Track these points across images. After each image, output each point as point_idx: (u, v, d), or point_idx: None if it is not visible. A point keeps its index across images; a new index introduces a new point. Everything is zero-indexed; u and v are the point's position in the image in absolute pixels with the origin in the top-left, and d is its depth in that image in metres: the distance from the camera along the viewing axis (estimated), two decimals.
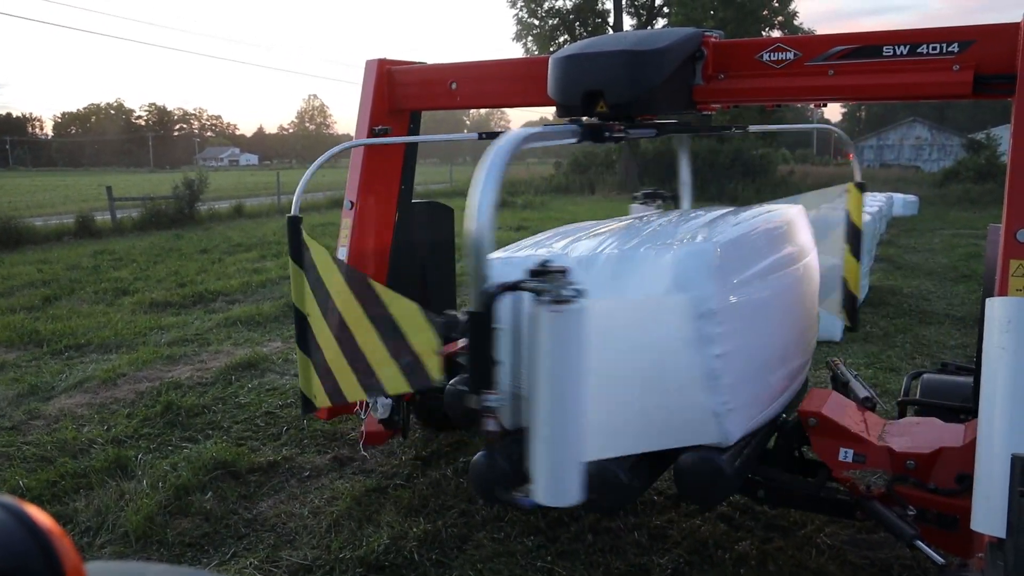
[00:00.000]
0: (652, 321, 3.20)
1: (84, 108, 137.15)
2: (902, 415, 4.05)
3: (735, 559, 3.89)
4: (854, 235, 4.66)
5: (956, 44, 3.22)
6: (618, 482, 3.19)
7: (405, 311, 3.65)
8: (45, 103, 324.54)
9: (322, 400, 3.94)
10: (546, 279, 2.43)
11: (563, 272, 2.46)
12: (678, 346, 3.17)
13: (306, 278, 3.78)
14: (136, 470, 4.98)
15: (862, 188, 4.69)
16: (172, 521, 4.34)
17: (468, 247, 2.57)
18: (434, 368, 3.61)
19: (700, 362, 3.17)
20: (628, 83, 3.49)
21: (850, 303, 4.68)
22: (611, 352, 2.91)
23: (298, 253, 3.77)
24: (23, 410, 6.17)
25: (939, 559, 3.13)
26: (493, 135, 4.24)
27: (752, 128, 5.14)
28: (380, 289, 3.76)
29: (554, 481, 2.49)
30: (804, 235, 4.18)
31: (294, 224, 3.79)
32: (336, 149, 4.49)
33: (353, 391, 3.88)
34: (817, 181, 33.85)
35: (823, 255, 4.57)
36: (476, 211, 2.59)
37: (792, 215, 4.16)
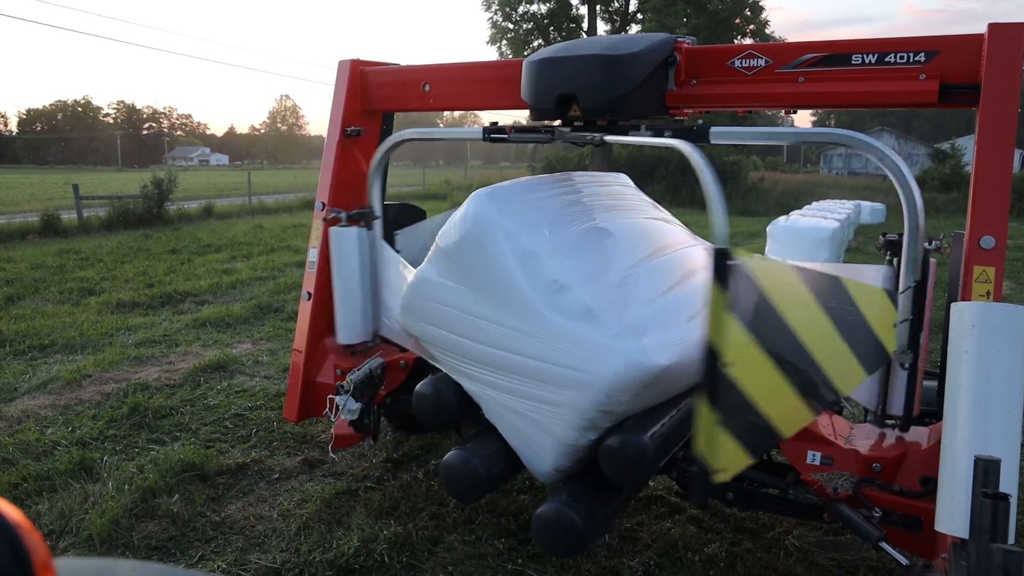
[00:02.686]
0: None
1: (50, 105, 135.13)
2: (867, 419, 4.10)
3: (705, 561, 3.92)
4: None
5: (923, 54, 3.29)
6: (575, 527, 3.22)
7: (866, 293, 3.18)
8: (9, 99, 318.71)
9: (732, 461, 2.68)
10: None
11: None
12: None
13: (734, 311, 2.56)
14: (101, 472, 4.90)
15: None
16: (138, 524, 4.28)
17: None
18: (889, 341, 3.30)
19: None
20: (601, 87, 3.52)
21: None
22: None
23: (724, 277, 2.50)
24: None
25: (904, 560, 3.18)
26: (498, 131, 4.23)
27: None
28: (848, 283, 3.12)
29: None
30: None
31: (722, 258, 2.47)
32: (392, 141, 4.73)
33: (793, 421, 2.96)
34: (787, 188, 34.30)
35: None
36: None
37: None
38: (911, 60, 3.31)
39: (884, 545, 3.20)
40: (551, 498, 3.38)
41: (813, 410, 3.02)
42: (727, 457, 2.63)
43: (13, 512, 0.63)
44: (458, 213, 3.71)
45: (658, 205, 4.53)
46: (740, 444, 2.67)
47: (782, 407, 2.83)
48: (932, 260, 3.39)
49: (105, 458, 5.11)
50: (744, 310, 2.57)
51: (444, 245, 3.71)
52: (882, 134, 63.98)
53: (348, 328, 4.65)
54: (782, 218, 14.61)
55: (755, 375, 2.68)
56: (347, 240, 4.58)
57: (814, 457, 3.51)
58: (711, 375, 2.54)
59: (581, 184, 4.06)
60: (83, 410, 6.05)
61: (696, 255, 4.05)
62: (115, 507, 4.36)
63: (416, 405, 3.95)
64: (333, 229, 4.60)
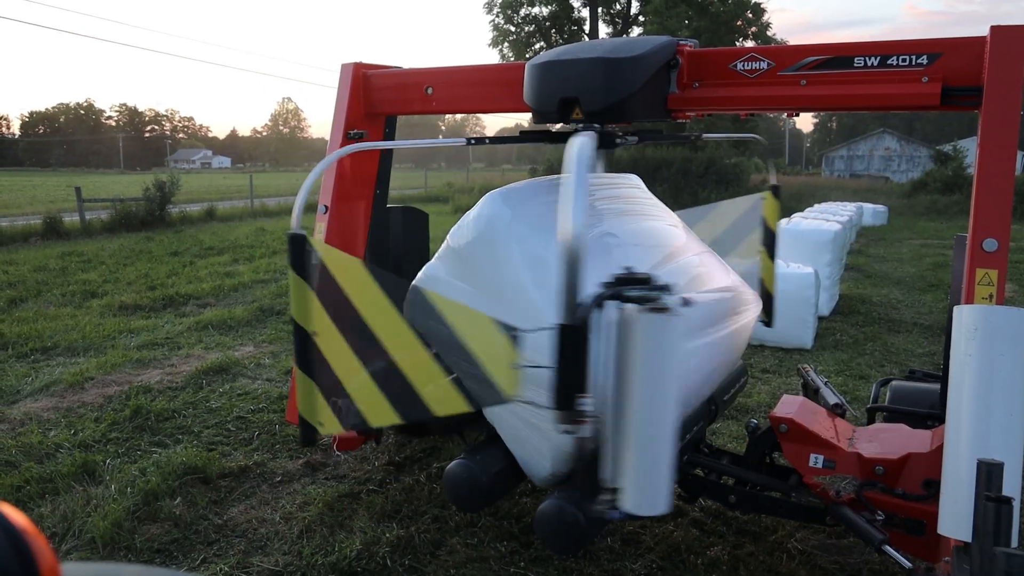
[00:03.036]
0: None
1: (53, 107, 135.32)
2: (871, 421, 4.11)
3: (707, 564, 3.92)
4: (769, 239, 4.73)
5: (925, 56, 3.28)
6: (577, 523, 3.22)
7: (471, 323, 3.20)
8: (12, 102, 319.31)
9: (331, 426, 3.27)
10: (643, 287, 2.47)
11: (650, 279, 2.52)
12: None
13: (313, 291, 3.12)
14: (104, 475, 4.90)
15: (776, 193, 4.76)
16: (140, 527, 4.28)
17: (563, 258, 2.53)
18: (509, 383, 3.14)
19: None
20: (603, 90, 3.51)
21: (766, 301, 4.72)
22: None
23: (300, 263, 3.11)
24: None
25: (907, 563, 3.17)
26: (481, 141, 4.24)
27: (663, 136, 5.19)
28: (438, 301, 3.24)
29: (645, 490, 2.49)
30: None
31: (297, 242, 3.05)
32: (338, 153, 4.39)
33: (381, 415, 3.29)
34: (788, 190, 34.27)
35: (742, 258, 4.81)
36: (571, 218, 2.55)
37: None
38: (913, 62, 3.31)
39: (887, 548, 3.19)
40: (553, 495, 3.39)
41: (395, 406, 3.20)
42: (324, 414, 3.16)
43: (19, 517, 0.63)
44: (472, 213, 3.70)
45: (667, 208, 4.52)
46: (330, 406, 3.16)
47: (362, 389, 3.19)
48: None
49: (107, 461, 5.12)
50: (322, 292, 3.06)
51: (455, 244, 3.69)
52: (884, 136, 64.03)
53: None
54: (784, 220, 14.58)
55: (336, 352, 3.14)
56: None
57: (816, 460, 3.51)
58: (299, 344, 3.09)
59: (594, 187, 4.03)
60: (85, 413, 6.05)
61: (702, 262, 4.05)
62: (117, 510, 4.36)
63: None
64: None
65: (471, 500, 3.65)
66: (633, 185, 4.39)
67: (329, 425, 3.21)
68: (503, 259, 3.50)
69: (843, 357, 7.71)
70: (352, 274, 3.16)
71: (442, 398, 3.16)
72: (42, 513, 4.41)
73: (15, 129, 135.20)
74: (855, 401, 6.10)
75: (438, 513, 4.44)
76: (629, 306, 2.50)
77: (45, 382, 6.80)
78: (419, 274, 3.93)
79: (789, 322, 7.61)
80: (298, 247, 2.99)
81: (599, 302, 2.53)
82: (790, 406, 3.75)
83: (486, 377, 3.05)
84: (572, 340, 2.49)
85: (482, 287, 3.59)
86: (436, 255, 3.89)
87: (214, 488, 4.79)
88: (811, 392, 4.23)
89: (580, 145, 2.84)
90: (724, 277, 4.08)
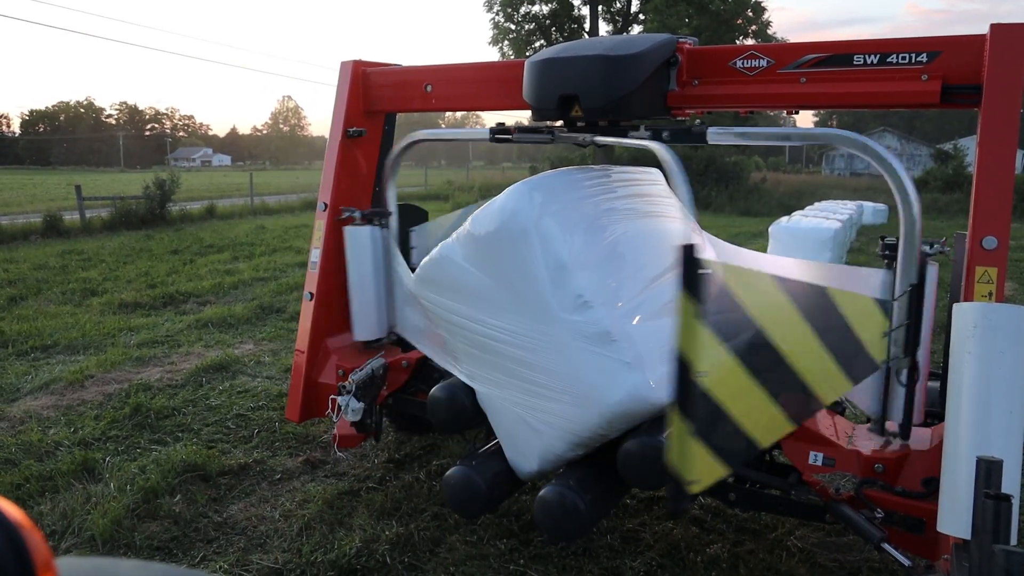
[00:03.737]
0: None
1: (53, 106, 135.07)
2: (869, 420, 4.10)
3: (707, 562, 3.92)
4: None
5: (925, 54, 3.28)
6: (577, 510, 3.22)
7: (853, 302, 3.09)
8: (12, 100, 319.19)
9: (706, 473, 2.62)
10: None
11: None
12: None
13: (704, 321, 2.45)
14: (103, 473, 4.91)
15: None
16: (140, 524, 4.29)
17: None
18: (878, 350, 3.20)
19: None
20: (603, 88, 3.51)
21: None
22: None
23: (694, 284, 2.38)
24: None
25: (906, 561, 3.17)
26: (504, 132, 4.18)
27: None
28: (834, 292, 2.99)
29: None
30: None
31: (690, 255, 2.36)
32: (407, 141, 4.74)
33: (771, 432, 2.92)
34: (788, 189, 34.28)
35: None
36: None
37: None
38: (913, 60, 3.30)
39: (886, 546, 3.19)
40: (555, 481, 3.39)
41: (792, 420, 2.93)
42: (700, 468, 2.57)
43: (15, 512, 0.63)
44: (498, 202, 3.62)
45: (684, 208, 4.43)
46: (714, 455, 2.62)
47: (759, 417, 2.77)
48: (933, 264, 3.33)
49: (107, 459, 5.12)
50: (717, 320, 2.49)
51: (476, 231, 3.62)
52: (884, 134, 64.02)
53: (364, 325, 4.68)
54: (784, 219, 14.59)
55: (730, 385, 2.62)
56: (361, 239, 4.62)
57: (816, 458, 3.50)
58: (682, 385, 2.47)
59: (618, 183, 3.94)
60: (85, 410, 6.05)
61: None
62: (117, 507, 4.36)
63: (430, 409, 3.93)
64: (348, 228, 4.65)
65: (470, 506, 3.65)
66: (654, 181, 4.29)
67: (707, 477, 2.63)
68: (524, 256, 3.44)
69: None
70: (757, 290, 2.70)
71: (831, 384, 3.02)
72: (42, 511, 4.41)
73: (15, 127, 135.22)
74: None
75: (438, 511, 4.44)
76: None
77: (45, 380, 6.80)
78: (433, 252, 3.87)
79: None
80: (691, 263, 2.33)
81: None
82: None
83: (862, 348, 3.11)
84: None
85: (498, 279, 3.55)
86: (453, 236, 3.82)
87: (214, 486, 4.79)
88: None
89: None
90: None
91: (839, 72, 3.46)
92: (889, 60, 3.35)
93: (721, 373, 2.54)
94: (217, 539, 4.20)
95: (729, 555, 3.98)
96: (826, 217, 14.97)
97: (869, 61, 3.39)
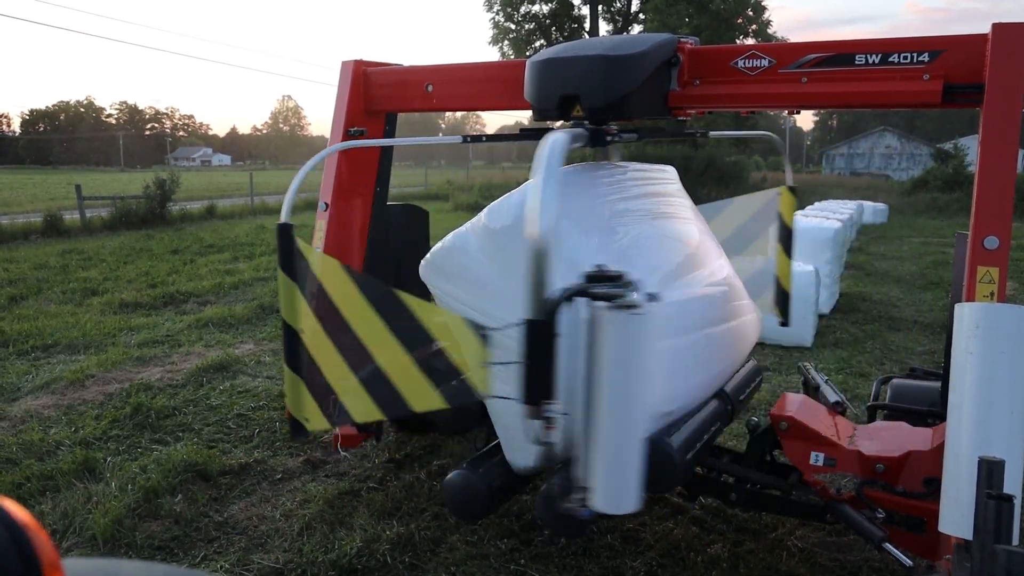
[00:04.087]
0: None
1: (53, 105, 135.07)
2: (872, 419, 4.11)
3: (707, 561, 3.92)
4: (786, 235, 4.63)
5: (926, 54, 3.28)
6: (671, 460, 3.19)
7: (443, 322, 3.29)
8: (12, 99, 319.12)
9: (317, 422, 3.40)
10: (612, 284, 2.40)
11: (621, 277, 2.46)
12: None
13: (299, 290, 3.24)
14: (104, 472, 4.90)
15: (794, 191, 4.71)
16: (141, 524, 4.29)
17: (530, 253, 2.46)
18: (481, 381, 3.24)
19: None
20: (604, 88, 3.51)
21: (782, 299, 4.65)
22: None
23: (289, 262, 3.22)
24: None
25: (907, 561, 3.17)
26: (478, 138, 4.20)
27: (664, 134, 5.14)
28: (411, 301, 3.28)
29: (613, 489, 2.47)
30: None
31: (285, 231, 3.20)
32: (328, 151, 4.40)
33: (365, 411, 3.40)
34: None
35: (758, 255, 4.74)
36: (539, 214, 2.49)
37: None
38: (915, 60, 3.30)
39: (887, 546, 3.19)
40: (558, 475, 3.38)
41: (380, 407, 3.31)
42: (310, 410, 3.31)
43: (21, 513, 0.63)
44: (515, 196, 3.55)
45: (695, 208, 4.41)
46: (317, 402, 3.30)
47: (348, 387, 3.29)
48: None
49: (108, 458, 5.12)
50: (309, 294, 3.20)
51: (492, 224, 3.56)
52: (884, 134, 64.00)
53: None
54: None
55: (319, 348, 3.26)
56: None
57: (817, 458, 3.51)
58: (288, 344, 3.27)
59: (633, 181, 3.91)
60: (86, 410, 6.05)
61: (717, 275, 4.02)
62: (118, 507, 4.36)
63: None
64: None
65: (471, 510, 3.63)
66: (668, 180, 4.25)
67: (315, 421, 3.34)
68: None
69: (843, 355, 7.71)
70: (332, 275, 3.27)
71: (421, 395, 3.23)
72: (43, 510, 4.41)
73: (15, 127, 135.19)
74: (855, 399, 6.10)
75: (438, 511, 4.44)
76: (597, 303, 2.46)
77: (46, 379, 6.80)
78: (447, 239, 3.81)
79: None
80: (286, 240, 3.13)
81: (567, 297, 2.47)
82: (791, 404, 3.75)
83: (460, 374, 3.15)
84: (538, 336, 2.44)
85: (509, 274, 3.50)
86: (467, 225, 3.75)
87: (214, 485, 4.79)
88: (811, 390, 4.23)
89: (552, 143, 2.78)
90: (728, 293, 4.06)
91: (840, 72, 3.46)
92: (890, 60, 3.35)
93: (313, 336, 3.25)
94: (218, 539, 4.20)
95: (730, 555, 3.98)
96: (826, 217, 14.96)
97: (870, 61, 3.39)
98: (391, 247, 5.14)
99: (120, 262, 13.64)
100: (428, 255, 3.84)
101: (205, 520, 4.38)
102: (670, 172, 4.35)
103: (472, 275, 3.62)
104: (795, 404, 3.75)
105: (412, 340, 3.22)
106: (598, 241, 3.43)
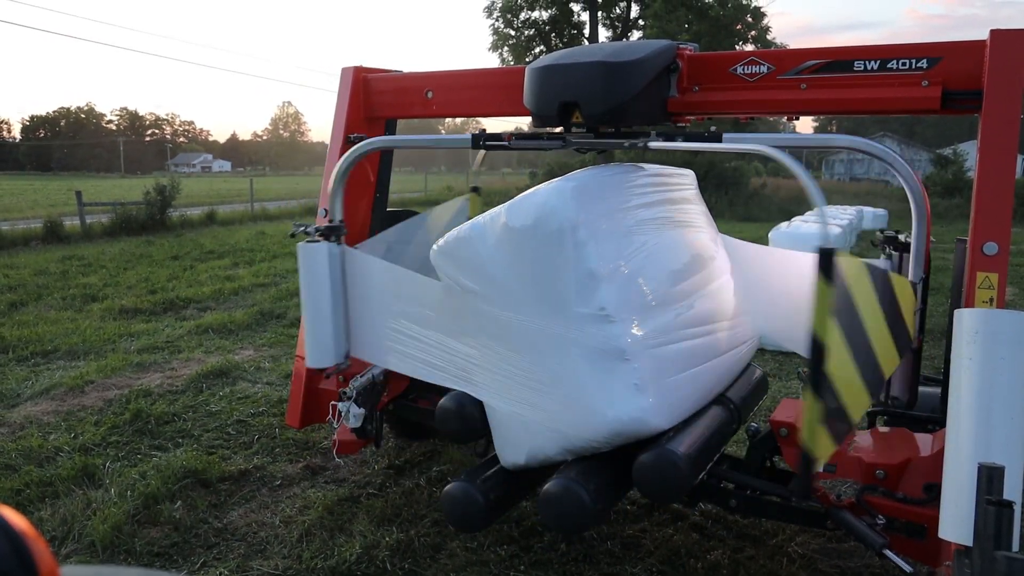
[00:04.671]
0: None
1: (53, 111, 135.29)
2: (871, 426, 4.10)
3: (707, 568, 3.91)
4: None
5: (925, 60, 3.29)
6: (582, 503, 3.21)
7: (900, 283, 3.40)
8: (12, 106, 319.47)
9: (827, 449, 3.07)
10: None
11: None
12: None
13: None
14: (104, 479, 4.90)
15: (477, 191, 4.92)
16: (140, 530, 4.28)
17: None
18: (912, 327, 3.53)
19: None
20: (603, 95, 3.51)
21: None
22: None
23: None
24: None
25: (908, 567, 3.17)
26: (493, 137, 4.03)
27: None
28: (891, 275, 3.38)
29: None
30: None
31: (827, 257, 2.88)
32: (367, 144, 4.30)
33: (860, 403, 3.24)
34: (788, 194, 34.31)
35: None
36: None
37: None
38: (913, 66, 3.31)
39: (888, 552, 3.19)
40: (559, 475, 3.37)
41: (872, 395, 3.29)
42: (825, 446, 3.00)
43: (19, 520, 0.63)
44: (539, 196, 3.46)
45: (709, 217, 4.36)
46: (830, 433, 3.00)
47: (854, 395, 3.13)
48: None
49: (107, 464, 5.11)
50: (836, 306, 2.93)
51: (511, 222, 3.46)
52: (884, 139, 64.05)
53: (318, 351, 4.21)
54: (784, 224, 14.58)
55: (840, 367, 3.02)
56: (317, 256, 4.15)
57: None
58: (817, 369, 2.92)
59: (653, 187, 3.86)
60: (85, 416, 6.05)
61: (724, 289, 4.04)
62: (117, 513, 4.35)
63: (439, 419, 3.88)
64: (301, 245, 4.19)
65: (469, 521, 3.62)
66: (686, 185, 4.20)
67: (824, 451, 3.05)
68: (554, 257, 3.35)
69: None
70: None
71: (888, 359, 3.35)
72: (42, 516, 4.41)
73: (16, 133, 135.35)
74: None
75: (438, 517, 4.43)
76: None
77: (45, 386, 6.79)
78: (463, 228, 3.71)
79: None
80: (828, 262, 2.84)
81: None
82: (790, 410, 3.74)
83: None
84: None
85: (522, 272, 3.42)
86: (486, 217, 3.62)
87: (214, 492, 4.78)
88: None
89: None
90: (730, 308, 4.06)
91: (839, 78, 3.47)
92: (889, 66, 3.36)
93: (837, 355, 3.00)
94: (217, 545, 4.19)
95: (730, 561, 3.97)
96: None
97: (869, 67, 3.40)
98: (389, 253, 5.13)
99: (120, 268, 13.64)
100: (442, 241, 3.76)
101: (204, 526, 4.37)
102: (689, 176, 4.31)
103: (485, 268, 3.55)
104: (795, 410, 3.74)
105: (889, 309, 3.30)
106: (615, 250, 3.40)
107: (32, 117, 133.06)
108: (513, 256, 3.47)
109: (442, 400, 3.88)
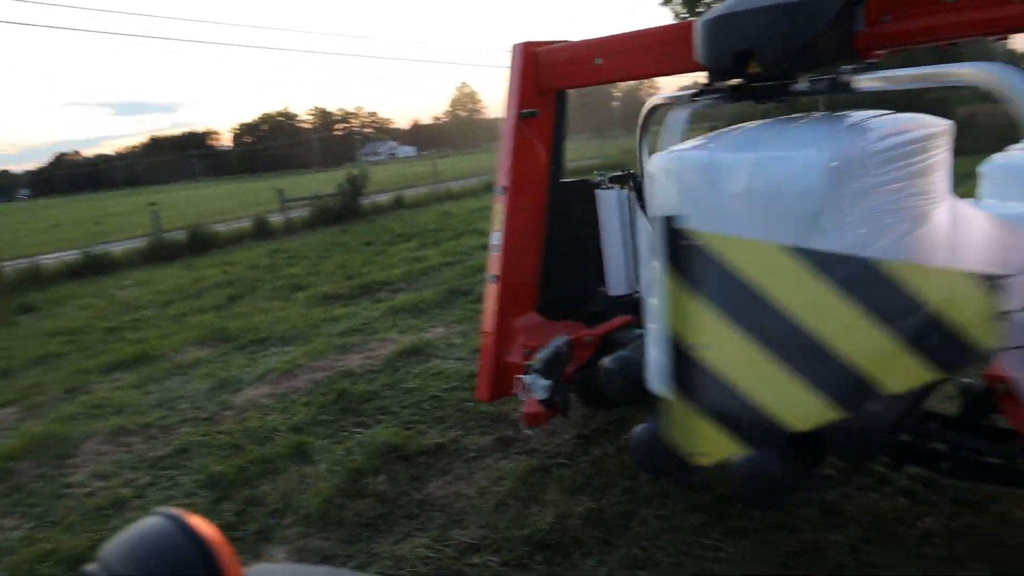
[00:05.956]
0: None
1: (257, 118, 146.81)
2: None
3: (919, 536, 3.63)
4: None
5: None
6: (773, 474, 3.04)
7: (938, 280, 2.94)
8: (222, 118, 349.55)
9: (717, 448, 2.97)
10: None
11: None
12: None
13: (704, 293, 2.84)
14: (314, 455, 5.29)
15: None
16: (349, 503, 4.58)
17: None
18: (986, 336, 2.94)
19: None
20: (782, 38, 3.28)
21: None
22: None
23: (680, 259, 2.87)
24: (216, 402, 6.72)
25: None
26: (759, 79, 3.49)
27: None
28: (899, 268, 2.89)
29: None
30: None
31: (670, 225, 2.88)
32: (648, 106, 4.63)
33: (799, 410, 2.88)
34: (1007, 120, 30.86)
35: None
36: None
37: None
38: None
39: None
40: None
41: (847, 407, 2.81)
42: (709, 443, 2.77)
43: (208, 529, 0.67)
44: (793, 166, 3.01)
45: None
46: (723, 431, 2.78)
47: (782, 395, 2.78)
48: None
49: (317, 442, 5.51)
50: (717, 292, 2.67)
51: (753, 183, 3.07)
52: None
53: (616, 281, 4.84)
54: (999, 155, 13.18)
55: (739, 359, 2.72)
56: (609, 201, 4.79)
57: None
58: (677, 362, 2.73)
59: (914, 156, 3.21)
60: (297, 398, 6.54)
61: None
62: (328, 487, 4.68)
63: (604, 380, 3.91)
64: (597, 192, 4.84)
65: (658, 464, 3.56)
66: (942, 148, 3.46)
67: (714, 451, 2.90)
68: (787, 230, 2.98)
69: None
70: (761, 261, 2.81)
71: (900, 372, 2.83)
72: (265, 491, 4.82)
73: (227, 142, 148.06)
74: None
75: (629, 485, 4.42)
76: None
77: (262, 371, 7.42)
78: (699, 156, 3.37)
79: None
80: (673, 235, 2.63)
81: None
82: (1010, 363, 3.38)
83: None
84: None
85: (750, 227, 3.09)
86: (724, 157, 3.25)
87: (413, 465, 5.03)
88: None
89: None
90: None
91: None
92: None
93: (727, 346, 2.74)
94: (418, 516, 4.41)
95: (945, 530, 3.66)
96: None
97: None
98: (571, 225, 5.12)
99: (320, 257, 14.61)
100: (676, 154, 3.45)
101: (406, 498, 4.61)
102: (945, 135, 3.69)
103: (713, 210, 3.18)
104: (1016, 362, 3.37)
105: (897, 312, 2.86)
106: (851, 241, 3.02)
107: (240, 126, 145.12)
108: (744, 212, 3.09)
109: (604, 360, 3.86)
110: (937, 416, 3.86)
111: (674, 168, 3.36)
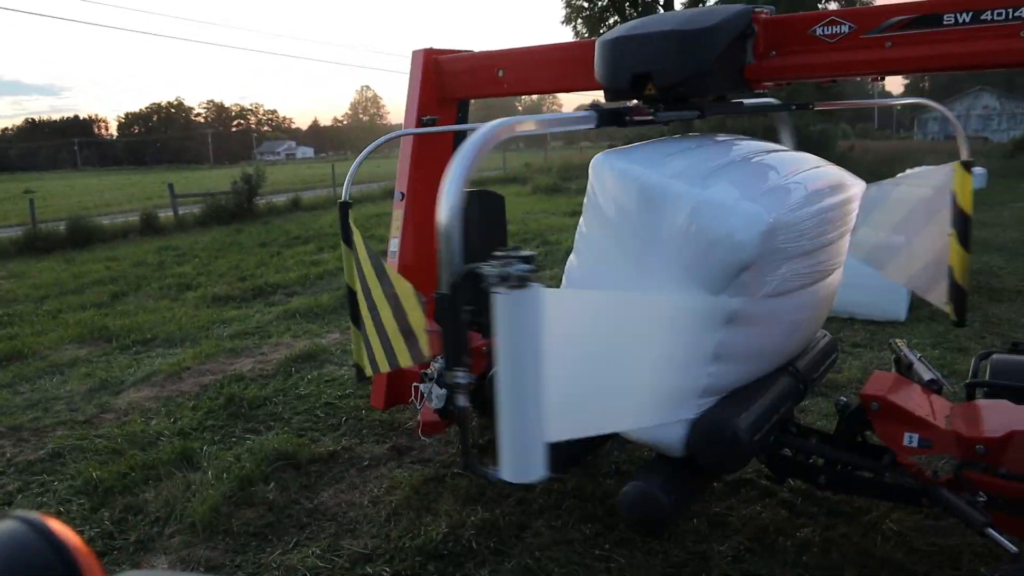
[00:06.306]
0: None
1: (146, 108, 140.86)
2: (971, 398, 3.92)
3: (798, 546, 3.82)
4: (961, 221, 4.11)
5: (1023, 9, 3.08)
6: (735, 439, 3.14)
7: (405, 290, 4.08)
8: (109, 104, 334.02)
9: (368, 369, 4.46)
10: (504, 263, 2.33)
11: (524, 256, 2.36)
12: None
13: (355, 259, 4.27)
14: (201, 461, 5.10)
15: (968, 167, 4.16)
16: (237, 511, 4.44)
17: (440, 233, 2.63)
18: (425, 345, 4.04)
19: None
20: (677, 64, 3.41)
21: (958, 296, 4.20)
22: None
23: (348, 236, 4.31)
24: (95, 404, 6.40)
25: (1012, 548, 3.03)
26: (617, 114, 3.51)
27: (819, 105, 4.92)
28: (389, 270, 4.18)
29: (516, 459, 2.36)
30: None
31: (344, 209, 4.41)
32: (385, 138, 4.60)
33: (382, 363, 4.28)
34: (878, 156, 32.93)
35: (928, 240, 4.29)
36: (447, 197, 2.64)
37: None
38: (1010, 16, 3.10)
39: (990, 531, 3.05)
40: (636, 476, 3.36)
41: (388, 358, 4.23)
42: (366, 365, 4.39)
43: (69, 535, 0.64)
44: (733, 216, 3.13)
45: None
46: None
47: (373, 338, 4.27)
48: None
49: (204, 448, 5.32)
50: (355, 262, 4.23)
51: (694, 221, 3.21)
52: (981, 94, 60.92)
53: None
54: (871, 185, 14.01)
55: (362, 309, 4.27)
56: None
57: (911, 439, 3.37)
58: (350, 304, 4.42)
59: (842, 219, 3.66)
60: (183, 401, 6.31)
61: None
62: (215, 495, 4.53)
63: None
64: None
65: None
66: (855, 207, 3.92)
67: (367, 369, 4.46)
68: (714, 273, 3.21)
69: (939, 329, 7.37)
70: (362, 248, 4.25)
71: (402, 353, 4.13)
72: (146, 498, 4.62)
73: (113, 130, 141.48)
74: (953, 376, 5.84)
75: (522, 496, 4.46)
76: (489, 278, 2.34)
77: (146, 372, 7.12)
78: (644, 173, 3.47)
79: (881, 293, 7.34)
80: (344, 217, 4.34)
81: (467, 273, 2.57)
82: (882, 383, 3.61)
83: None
84: (446, 307, 2.61)
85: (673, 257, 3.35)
86: (674, 185, 3.34)
87: (305, 473, 4.93)
88: (904, 368, 4.06)
89: (481, 131, 2.76)
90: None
91: (928, 34, 3.26)
92: (983, 18, 3.15)
93: (360, 297, 4.30)
94: (309, 525, 4.32)
95: (821, 539, 3.87)
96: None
97: (960, 20, 3.19)
98: (468, 233, 5.13)
99: (212, 257, 14.14)
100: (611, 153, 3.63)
101: (297, 507, 4.51)
102: (859, 194, 4.01)
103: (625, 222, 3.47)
104: (887, 383, 3.60)
105: (395, 305, 4.09)
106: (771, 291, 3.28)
107: (127, 115, 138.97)
108: (673, 244, 3.28)
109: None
110: (815, 432, 4.08)
111: (617, 179, 3.48)
